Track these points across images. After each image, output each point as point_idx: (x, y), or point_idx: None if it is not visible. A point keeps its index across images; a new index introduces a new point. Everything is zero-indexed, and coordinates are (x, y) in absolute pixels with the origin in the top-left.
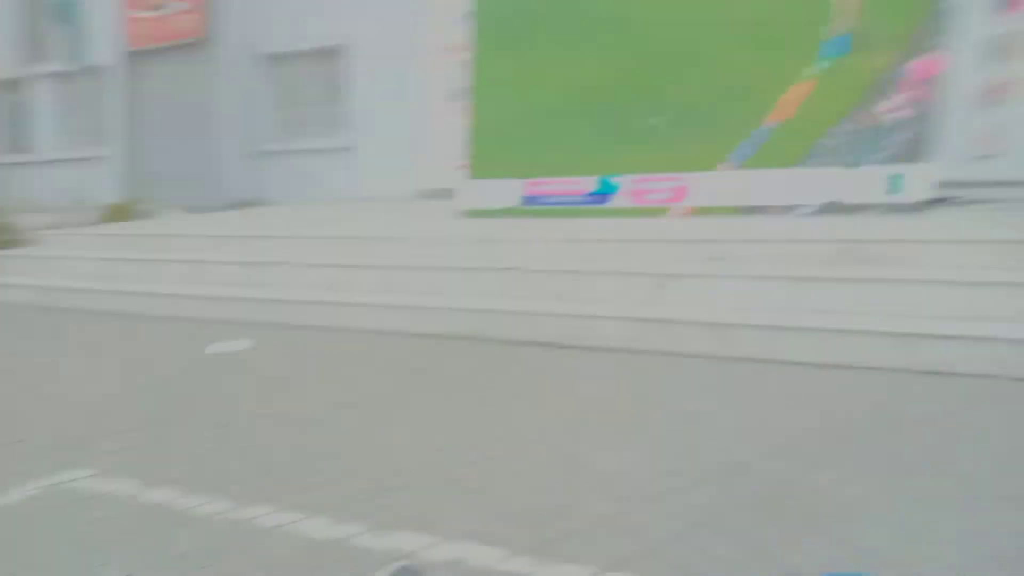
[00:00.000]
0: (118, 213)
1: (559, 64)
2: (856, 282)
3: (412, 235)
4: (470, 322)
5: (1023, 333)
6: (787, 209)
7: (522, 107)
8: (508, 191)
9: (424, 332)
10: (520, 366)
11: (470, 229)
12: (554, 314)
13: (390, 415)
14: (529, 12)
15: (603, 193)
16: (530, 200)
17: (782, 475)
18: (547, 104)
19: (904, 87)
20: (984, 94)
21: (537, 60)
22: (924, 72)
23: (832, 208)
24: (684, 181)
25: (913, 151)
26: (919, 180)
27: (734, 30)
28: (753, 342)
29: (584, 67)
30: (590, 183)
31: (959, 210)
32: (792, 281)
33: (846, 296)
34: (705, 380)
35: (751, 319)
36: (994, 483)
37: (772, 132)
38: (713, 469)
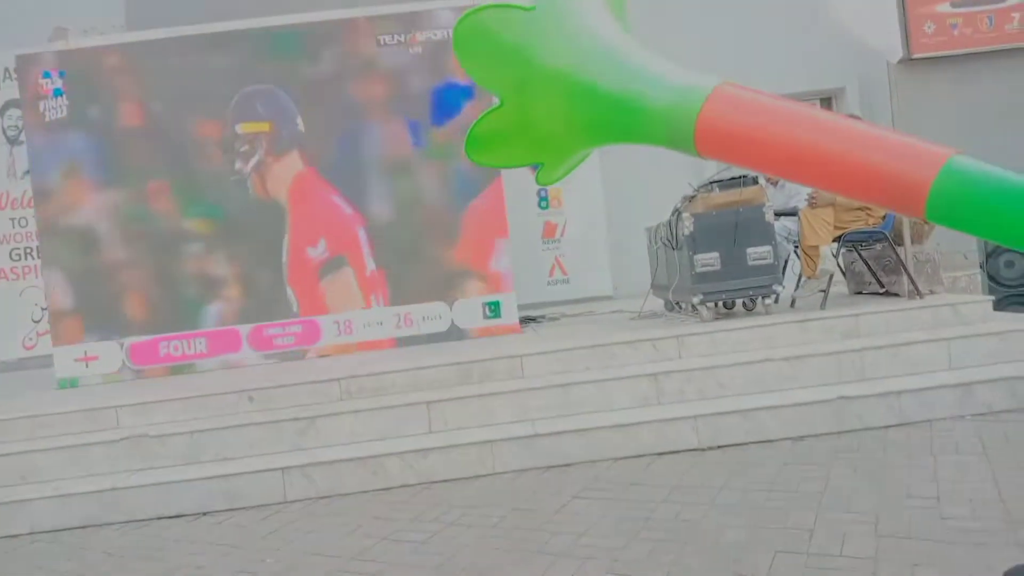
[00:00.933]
0: None
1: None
2: (479, 397)
3: None
4: (86, 508)
5: (621, 419)
6: (428, 337)
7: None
8: (110, 354)
9: (27, 531)
10: (155, 547)
11: (71, 401)
12: (187, 479)
13: None
14: None
15: (227, 343)
16: (139, 359)
17: None
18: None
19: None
20: (543, 234)
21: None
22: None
23: (454, 334)
24: (316, 322)
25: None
26: (509, 306)
27: None
28: (403, 469)
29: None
30: (211, 335)
31: (546, 326)
32: (427, 405)
33: (473, 411)
34: (362, 519)
35: (397, 447)
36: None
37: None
38: None
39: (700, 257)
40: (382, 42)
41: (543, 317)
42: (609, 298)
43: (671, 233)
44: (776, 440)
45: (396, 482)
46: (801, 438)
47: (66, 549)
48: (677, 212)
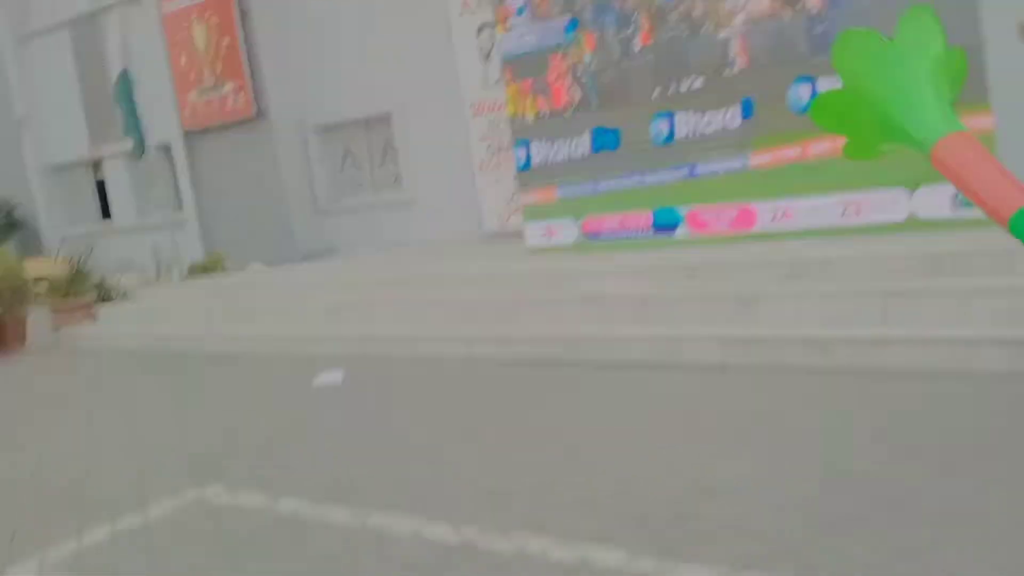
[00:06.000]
0: (203, 269)
1: None
2: (951, 293)
3: (489, 273)
4: (556, 349)
5: None
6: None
7: None
8: (567, 229)
9: (512, 359)
10: (612, 388)
11: (541, 265)
12: (638, 338)
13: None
14: None
15: (667, 225)
16: (592, 236)
17: (906, 483)
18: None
19: None
20: None
21: None
22: None
23: (911, 224)
24: (751, 208)
25: None
26: None
27: None
28: (852, 354)
29: None
30: (652, 216)
31: None
32: (887, 295)
33: (942, 307)
34: (803, 394)
35: (848, 332)
36: None
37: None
38: (835, 477)
39: None
40: None
41: None
42: None
43: None
44: None
45: (839, 365)
46: None
47: (542, 377)
48: None
